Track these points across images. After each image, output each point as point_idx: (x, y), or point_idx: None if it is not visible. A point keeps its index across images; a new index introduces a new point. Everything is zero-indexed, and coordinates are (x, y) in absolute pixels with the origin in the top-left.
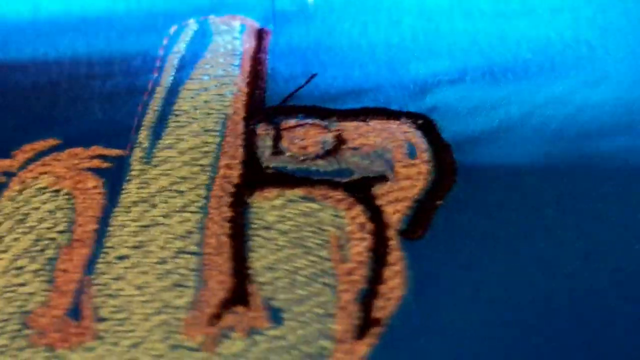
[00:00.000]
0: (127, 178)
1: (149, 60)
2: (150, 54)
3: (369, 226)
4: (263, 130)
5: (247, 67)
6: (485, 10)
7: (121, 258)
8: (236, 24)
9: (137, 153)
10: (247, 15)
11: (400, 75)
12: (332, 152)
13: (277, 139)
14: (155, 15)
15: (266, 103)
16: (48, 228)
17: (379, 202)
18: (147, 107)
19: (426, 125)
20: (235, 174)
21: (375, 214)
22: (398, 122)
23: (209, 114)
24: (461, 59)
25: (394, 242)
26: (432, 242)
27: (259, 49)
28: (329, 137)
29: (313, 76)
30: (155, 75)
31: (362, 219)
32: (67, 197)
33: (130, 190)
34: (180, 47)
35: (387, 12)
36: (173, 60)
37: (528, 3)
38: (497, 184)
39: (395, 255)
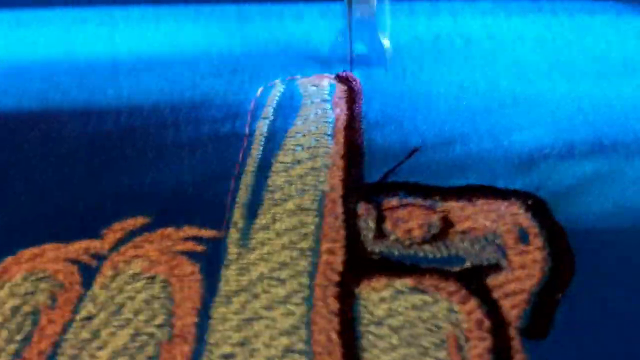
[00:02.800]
0: (225, 263)
1: (237, 127)
2: (239, 119)
3: (487, 324)
4: (364, 210)
5: (340, 137)
6: (585, 71)
7: (226, 357)
8: (325, 83)
9: (233, 234)
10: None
11: (504, 147)
12: (439, 236)
13: (379, 220)
14: (239, 73)
15: (364, 178)
16: (146, 321)
17: (494, 294)
18: (240, 181)
19: (536, 205)
20: (338, 260)
21: (493, 309)
22: (506, 202)
23: (304, 190)
24: (567, 128)
25: (516, 343)
26: (556, 341)
27: (351, 116)
28: (435, 219)
29: (415, 151)
30: (245, 144)
31: (478, 314)
32: (162, 284)
33: (229, 278)
34: (268, 111)
35: (481, 72)
36: (262, 128)
37: (629, 63)
38: (621, 276)
39: (519, 358)
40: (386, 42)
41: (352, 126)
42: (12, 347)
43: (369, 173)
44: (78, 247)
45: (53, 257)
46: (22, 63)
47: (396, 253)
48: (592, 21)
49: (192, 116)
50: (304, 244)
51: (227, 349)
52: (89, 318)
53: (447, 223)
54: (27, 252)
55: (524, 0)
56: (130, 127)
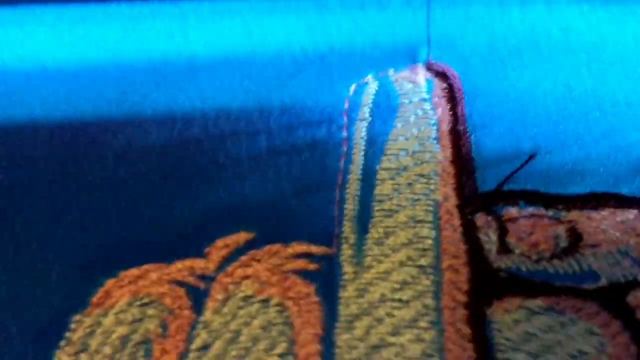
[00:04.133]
0: (341, 284)
1: (334, 130)
2: (334, 121)
3: (634, 348)
4: (483, 222)
5: (446, 141)
6: None
7: None
8: (421, 80)
9: (346, 251)
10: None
11: (622, 149)
12: (568, 250)
13: (502, 233)
14: (327, 70)
15: (478, 186)
16: (266, 350)
17: (638, 315)
18: (345, 191)
19: None
20: (462, 278)
21: (638, 332)
22: (635, 210)
23: (415, 200)
24: None
25: None
26: None
27: (456, 118)
28: (562, 232)
29: (532, 157)
30: (345, 148)
31: (624, 338)
32: (278, 308)
33: (348, 300)
34: (365, 112)
35: (587, 68)
36: (361, 131)
37: None
38: None
39: None
40: None
41: (458, 129)
42: None
43: (482, 180)
44: (182, 267)
45: (156, 279)
46: (94, 63)
47: (524, 269)
48: None
49: (284, 120)
50: (423, 261)
51: None
52: (205, 347)
53: (575, 235)
54: (129, 274)
55: None
56: (220, 132)
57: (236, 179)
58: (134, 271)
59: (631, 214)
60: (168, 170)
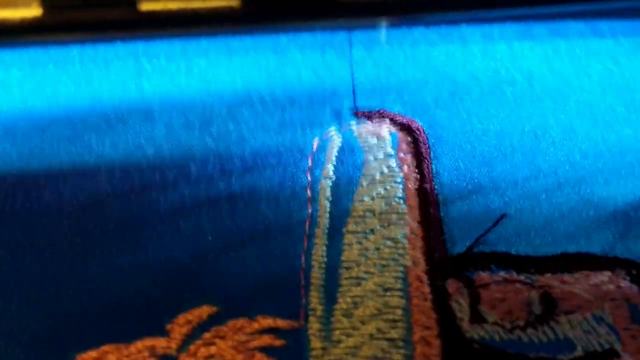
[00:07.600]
0: None
1: (298, 191)
2: (298, 180)
3: None
4: (455, 289)
5: (413, 201)
6: None
7: None
8: (385, 133)
9: (314, 324)
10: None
11: (594, 205)
12: (543, 317)
13: (474, 300)
14: (288, 123)
15: (448, 249)
16: None
17: None
18: (311, 257)
19: None
20: (434, 351)
21: None
22: (609, 273)
23: (384, 265)
24: None
25: None
26: None
27: (422, 175)
28: (535, 297)
29: (502, 217)
30: (310, 210)
31: None
32: None
33: None
34: (329, 170)
35: (553, 117)
36: (325, 190)
37: None
38: None
39: None
40: None
41: (425, 187)
42: None
43: (452, 242)
44: (142, 347)
45: None
46: (43, 113)
47: (497, 339)
48: None
49: (246, 180)
50: (394, 333)
51: None
52: None
53: (549, 301)
54: (86, 357)
55: (582, 24)
56: (180, 194)
57: (196, 245)
58: (92, 354)
59: (605, 275)
60: (122, 234)
